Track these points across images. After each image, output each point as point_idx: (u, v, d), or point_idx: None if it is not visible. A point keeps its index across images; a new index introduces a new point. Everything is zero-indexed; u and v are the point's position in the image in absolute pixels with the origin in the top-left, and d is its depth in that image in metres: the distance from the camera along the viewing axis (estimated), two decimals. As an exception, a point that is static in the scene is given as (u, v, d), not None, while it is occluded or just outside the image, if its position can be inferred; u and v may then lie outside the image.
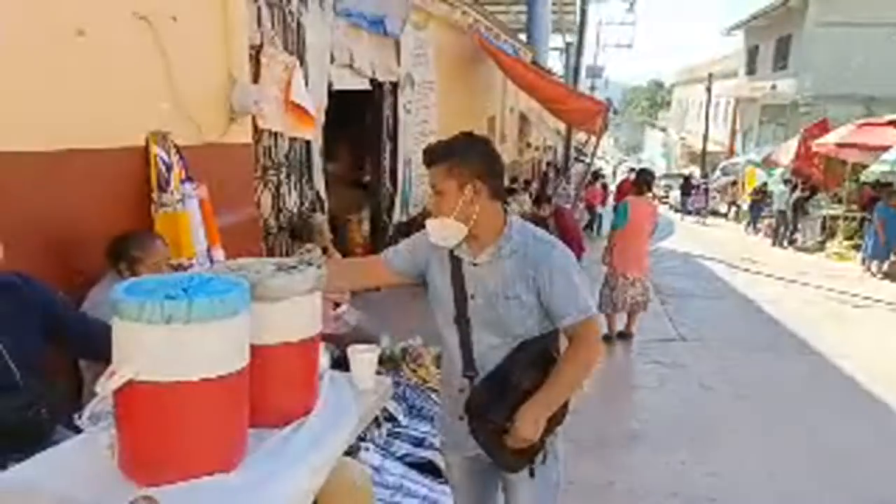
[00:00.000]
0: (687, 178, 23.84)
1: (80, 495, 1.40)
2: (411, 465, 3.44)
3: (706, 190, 22.03)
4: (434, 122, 8.47)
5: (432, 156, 1.91)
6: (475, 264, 1.95)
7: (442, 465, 3.38)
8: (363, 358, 2.02)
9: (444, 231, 1.91)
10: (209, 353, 1.37)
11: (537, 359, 1.93)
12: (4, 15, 2.46)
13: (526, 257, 1.91)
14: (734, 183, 21.31)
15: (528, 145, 17.62)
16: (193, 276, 1.50)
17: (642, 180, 6.31)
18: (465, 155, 1.88)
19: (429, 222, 1.94)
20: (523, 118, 16.22)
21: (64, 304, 2.22)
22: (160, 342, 1.32)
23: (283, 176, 4.94)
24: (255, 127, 4.36)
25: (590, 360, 1.93)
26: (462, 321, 1.97)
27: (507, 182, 11.71)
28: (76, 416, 1.78)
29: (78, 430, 1.81)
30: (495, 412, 1.87)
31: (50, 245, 2.75)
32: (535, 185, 14.42)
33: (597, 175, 14.65)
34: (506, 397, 1.87)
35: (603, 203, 15.79)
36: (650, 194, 6.59)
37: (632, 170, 13.37)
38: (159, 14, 3.20)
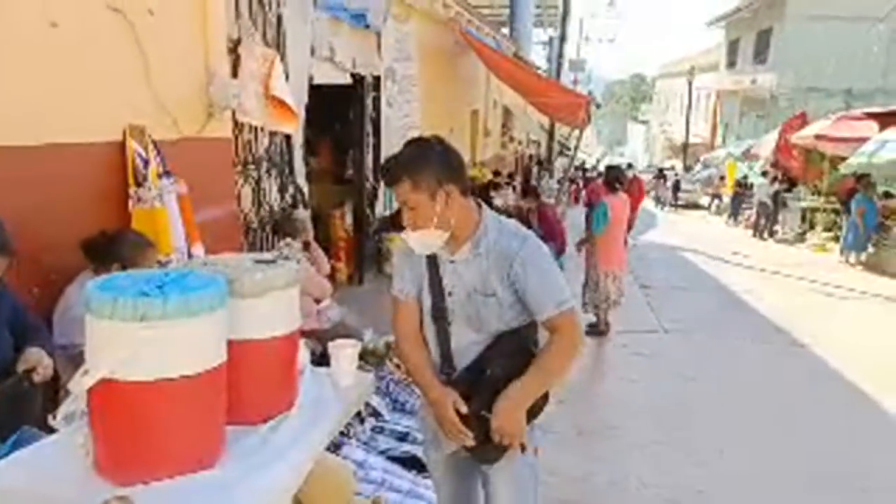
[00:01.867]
0: (661, 170, 23.90)
1: (54, 495, 1.38)
2: (395, 460, 3.44)
3: (677, 182, 22.05)
4: (417, 116, 8.44)
5: (392, 175, 1.86)
6: (453, 261, 1.94)
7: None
8: (344, 353, 2.01)
9: (427, 242, 1.90)
10: (185, 351, 1.35)
11: (514, 350, 1.93)
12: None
13: (501, 253, 1.90)
14: (721, 178, 21.46)
15: (512, 139, 17.64)
16: (169, 272, 1.48)
17: (612, 177, 6.33)
18: (426, 164, 1.84)
19: (409, 238, 1.90)
20: (507, 112, 16.22)
21: (24, 312, 2.17)
22: (134, 340, 1.30)
23: (263, 171, 4.89)
24: (235, 121, 4.31)
25: (570, 352, 1.92)
26: (439, 317, 1.96)
27: (490, 175, 11.77)
28: (50, 416, 1.75)
29: (52, 431, 1.79)
30: (470, 403, 1.86)
31: (24, 241, 2.68)
32: (518, 179, 14.44)
33: (584, 168, 14.48)
34: (480, 389, 1.87)
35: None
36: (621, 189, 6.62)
37: (629, 165, 13.25)
38: (135, 7, 3.15)
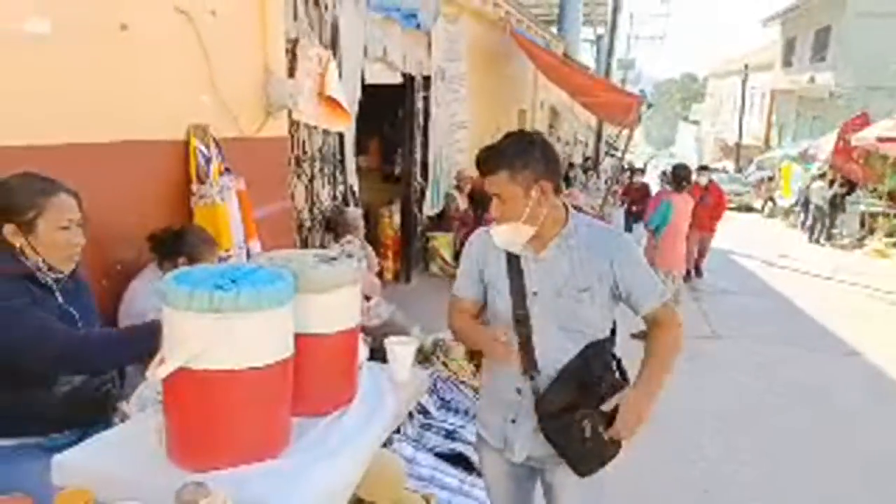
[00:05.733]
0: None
1: (128, 479, 1.43)
2: (442, 457, 3.46)
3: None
4: (465, 116, 8.46)
5: (490, 164, 1.84)
6: (537, 260, 1.92)
7: (474, 458, 3.40)
8: (401, 350, 2.03)
9: (513, 236, 1.89)
10: (256, 343, 1.39)
11: (608, 358, 1.96)
12: (52, 10, 2.51)
13: (597, 248, 1.89)
14: (770, 178, 20.84)
15: (559, 139, 17.49)
16: (240, 266, 1.53)
17: (680, 176, 6.29)
18: (527, 158, 1.83)
19: (496, 230, 1.90)
20: (554, 112, 16.09)
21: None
22: (209, 331, 1.34)
23: (316, 169, 4.98)
24: (290, 120, 4.40)
25: (678, 341, 1.97)
26: (522, 319, 1.92)
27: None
28: (123, 402, 1.83)
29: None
30: (586, 409, 1.88)
31: (91, 236, 2.80)
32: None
33: (632, 169, 13.69)
34: (591, 396, 1.88)
35: None
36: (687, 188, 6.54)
37: (704, 167, 10.66)
38: (199, 9, 3.25)
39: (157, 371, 1.37)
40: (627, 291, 1.92)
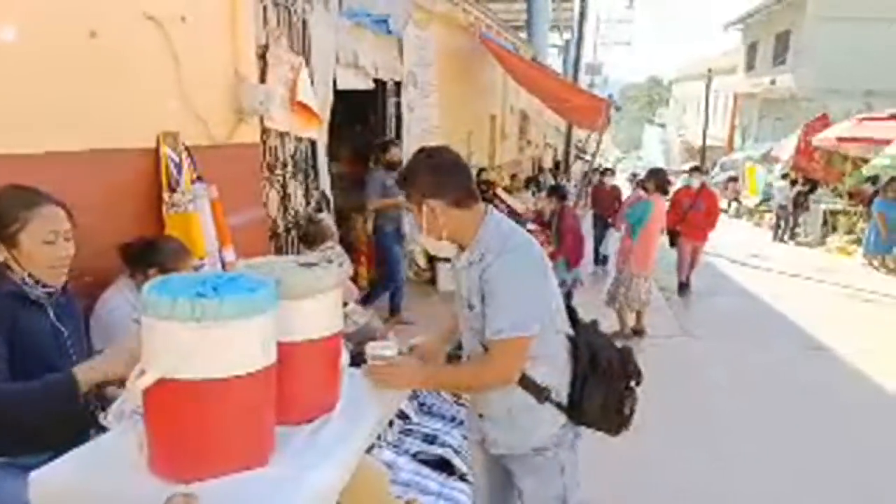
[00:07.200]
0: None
1: (110, 492, 1.41)
2: (423, 462, 3.45)
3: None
4: (436, 121, 8.47)
5: (399, 186, 2.01)
6: (460, 268, 2.00)
7: (455, 461, 3.40)
8: (382, 355, 2.02)
9: (431, 245, 2.00)
10: (239, 351, 1.37)
11: (582, 351, 2.05)
12: (20, 16, 2.46)
13: (484, 262, 1.87)
14: (734, 179, 21.27)
15: (529, 143, 17.62)
16: (221, 274, 1.51)
17: (659, 180, 6.41)
18: (412, 178, 1.94)
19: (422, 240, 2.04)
20: (524, 116, 16.21)
21: None
22: (191, 340, 1.32)
23: (289, 175, 4.94)
24: (262, 127, 4.36)
25: (486, 378, 1.93)
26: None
27: (507, 180, 11.74)
28: (101, 415, 1.79)
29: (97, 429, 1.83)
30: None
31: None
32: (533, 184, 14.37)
33: (602, 171, 13.41)
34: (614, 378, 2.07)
35: None
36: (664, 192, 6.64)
37: (695, 168, 9.64)
38: (169, 15, 3.21)
39: (138, 382, 1.35)
40: (485, 311, 1.86)
